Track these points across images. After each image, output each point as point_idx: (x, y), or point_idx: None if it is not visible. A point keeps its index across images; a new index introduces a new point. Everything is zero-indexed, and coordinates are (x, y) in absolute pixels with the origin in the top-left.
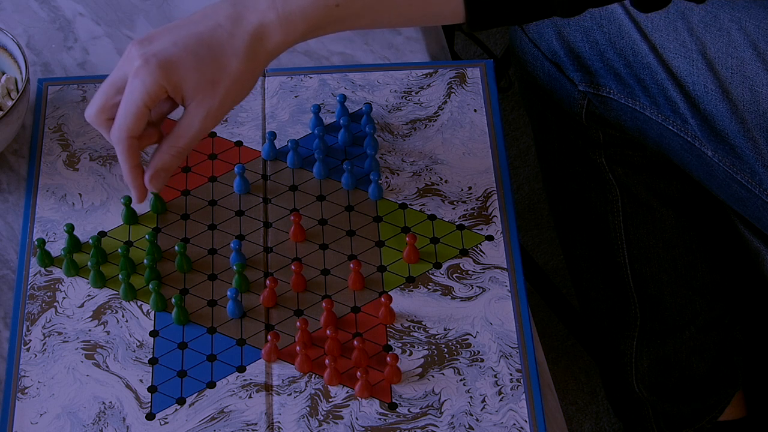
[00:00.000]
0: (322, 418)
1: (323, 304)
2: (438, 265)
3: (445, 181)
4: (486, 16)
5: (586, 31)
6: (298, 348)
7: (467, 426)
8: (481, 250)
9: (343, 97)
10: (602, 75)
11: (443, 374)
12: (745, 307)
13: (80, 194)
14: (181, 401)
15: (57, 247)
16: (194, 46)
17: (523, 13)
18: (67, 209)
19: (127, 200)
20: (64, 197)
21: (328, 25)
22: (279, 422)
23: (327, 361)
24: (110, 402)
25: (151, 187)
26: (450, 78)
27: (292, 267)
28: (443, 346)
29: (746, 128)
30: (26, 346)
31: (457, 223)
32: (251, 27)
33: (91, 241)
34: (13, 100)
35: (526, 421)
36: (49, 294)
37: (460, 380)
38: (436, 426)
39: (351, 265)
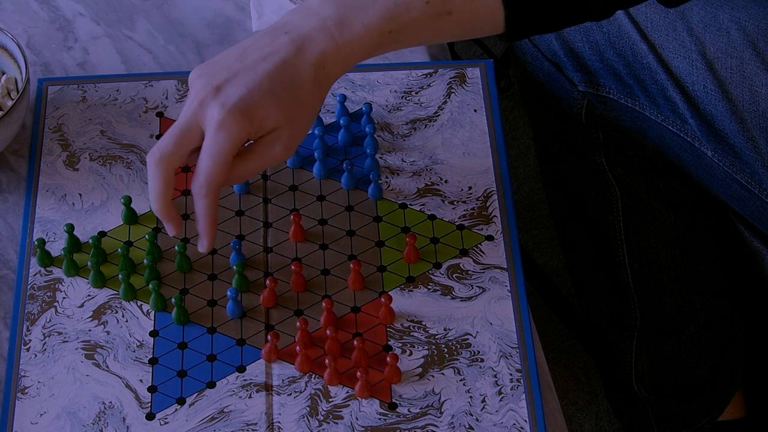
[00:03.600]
0: (322, 418)
1: (323, 304)
2: (438, 265)
3: (445, 181)
4: (524, 28)
5: (585, 32)
6: (298, 348)
7: (467, 426)
8: (481, 250)
9: (343, 97)
10: (602, 75)
11: (443, 374)
12: (745, 307)
13: (80, 194)
14: (181, 401)
15: (57, 247)
16: (268, 86)
17: (558, 22)
18: (67, 209)
19: (127, 200)
20: (64, 197)
21: (381, 49)
22: (279, 422)
23: (327, 361)
24: (110, 402)
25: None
26: (450, 78)
27: (292, 267)
28: (443, 346)
29: (746, 128)
30: (26, 346)
31: (457, 223)
32: (314, 58)
33: (91, 241)
34: (13, 100)
35: (526, 421)
36: (49, 294)
37: (460, 380)
38: (436, 426)
39: (351, 265)
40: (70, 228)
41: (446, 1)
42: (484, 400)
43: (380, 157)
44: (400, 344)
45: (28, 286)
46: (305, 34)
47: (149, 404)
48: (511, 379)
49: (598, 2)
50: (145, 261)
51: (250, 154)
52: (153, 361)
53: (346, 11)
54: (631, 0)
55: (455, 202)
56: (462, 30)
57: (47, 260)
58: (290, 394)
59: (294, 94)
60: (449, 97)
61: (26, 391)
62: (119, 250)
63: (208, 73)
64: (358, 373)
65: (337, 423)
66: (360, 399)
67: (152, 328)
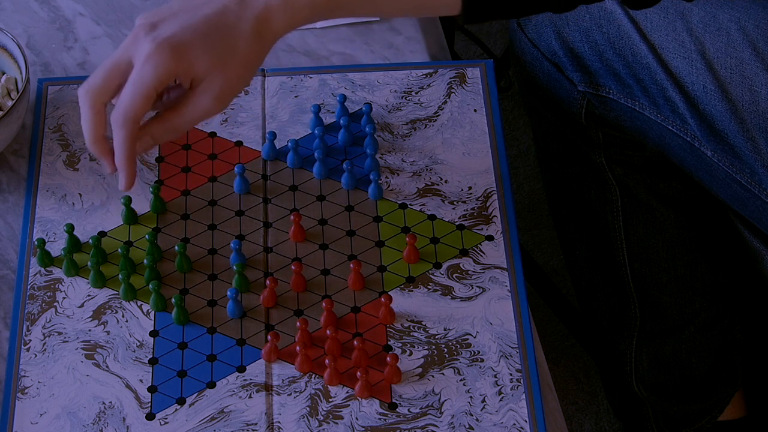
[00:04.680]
0: (322, 418)
1: (323, 304)
2: (438, 265)
3: (445, 181)
4: (481, 9)
5: (585, 32)
6: (298, 348)
7: (467, 426)
8: (481, 250)
9: (343, 97)
10: (602, 75)
11: (443, 374)
12: (745, 307)
13: (80, 194)
14: (181, 401)
15: (57, 247)
16: (204, 29)
17: (517, 7)
18: (67, 209)
19: (127, 200)
20: (64, 197)
21: (329, 11)
22: (279, 422)
23: (327, 361)
24: (110, 402)
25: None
26: (450, 78)
27: (292, 267)
28: (443, 346)
29: (745, 128)
30: (26, 346)
31: (457, 223)
32: (257, 10)
33: (91, 241)
34: (13, 100)
35: (526, 421)
36: (49, 294)
37: (460, 380)
38: (436, 426)
39: (351, 265)
40: (70, 228)
41: None
42: (484, 400)
43: (380, 157)
44: (400, 344)
45: (28, 286)
46: None
47: (149, 404)
48: (511, 379)
49: None
50: (145, 261)
51: (182, 105)
52: (153, 361)
53: None
54: None
55: (455, 202)
56: (415, 3)
57: (47, 260)
58: (290, 394)
59: (229, 43)
60: (449, 97)
61: (26, 391)
62: (119, 250)
63: (151, 14)
64: (358, 373)
65: (337, 423)
66: (360, 399)
67: (152, 328)
